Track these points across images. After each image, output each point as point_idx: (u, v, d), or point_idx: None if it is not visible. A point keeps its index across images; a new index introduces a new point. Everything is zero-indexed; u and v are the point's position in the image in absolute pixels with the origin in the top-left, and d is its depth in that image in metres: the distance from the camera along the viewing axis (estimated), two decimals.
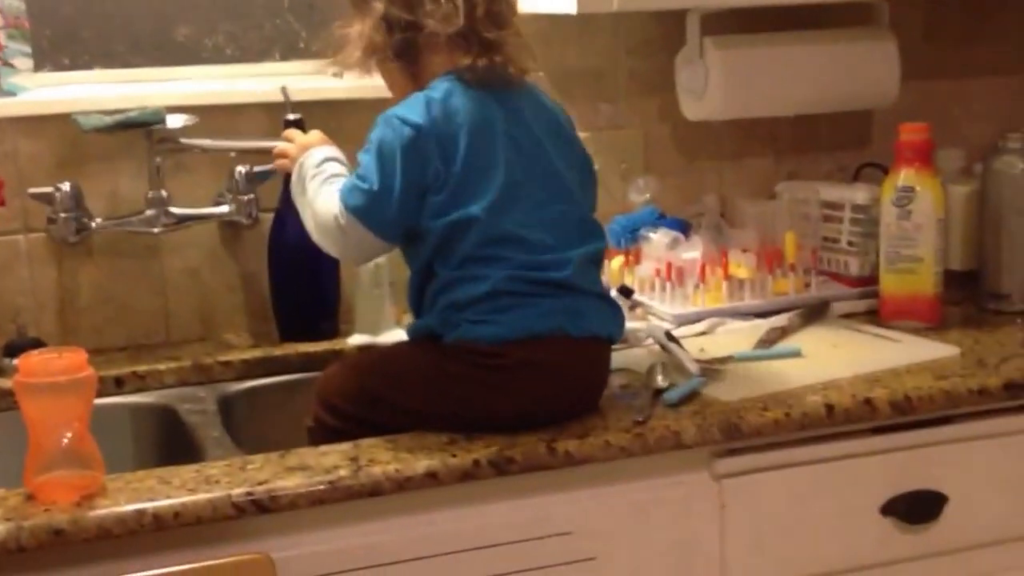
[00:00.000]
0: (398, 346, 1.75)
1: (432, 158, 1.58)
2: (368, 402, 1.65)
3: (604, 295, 1.69)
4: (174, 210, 1.99)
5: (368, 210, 1.61)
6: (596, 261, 1.68)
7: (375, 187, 1.60)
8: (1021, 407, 1.79)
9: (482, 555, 1.56)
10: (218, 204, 2.03)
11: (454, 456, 1.53)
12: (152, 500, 1.43)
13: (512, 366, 1.58)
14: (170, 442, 1.86)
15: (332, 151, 1.75)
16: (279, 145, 1.81)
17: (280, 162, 1.81)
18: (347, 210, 1.62)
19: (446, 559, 1.55)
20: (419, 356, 1.64)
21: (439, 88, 1.62)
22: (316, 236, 1.70)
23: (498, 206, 1.59)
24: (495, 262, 1.59)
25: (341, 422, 1.67)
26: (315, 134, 1.80)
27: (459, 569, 1.56)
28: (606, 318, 1.66)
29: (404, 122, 1.59)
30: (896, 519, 1.74)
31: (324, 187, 1.68)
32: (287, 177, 1.97)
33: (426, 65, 1.66)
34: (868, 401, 1.69)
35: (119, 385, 1.91)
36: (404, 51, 1.65)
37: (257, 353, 2.00)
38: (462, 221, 1.58)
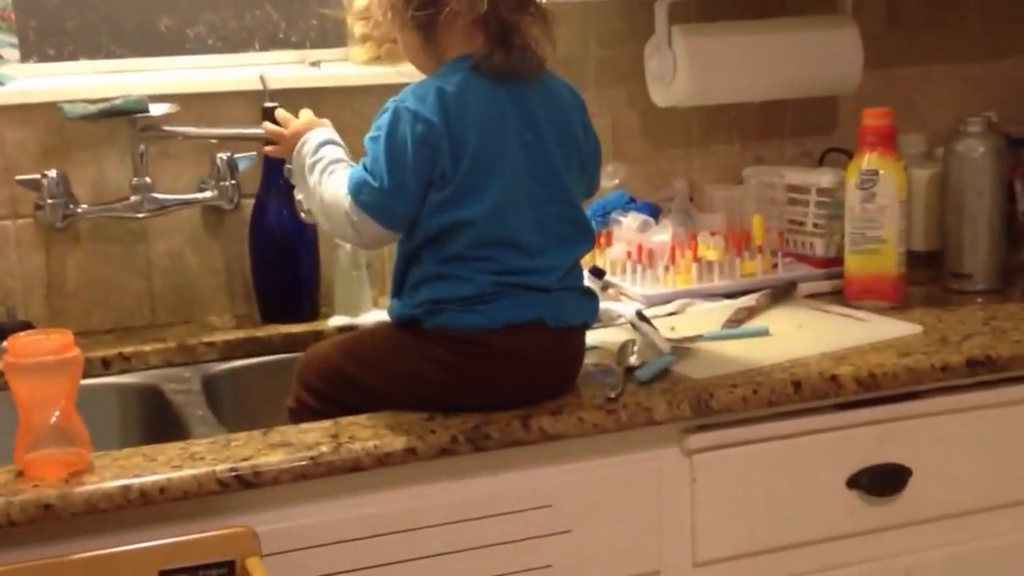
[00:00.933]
0: (379, 329, 1.75)
1: (442, 156, 1.57)
2: (347, 384, 1.68)
3: (584, 288, 1.72)
4: (158, 196, 2.03)
5: (379, 207, 1.59)
6: (581, 258, 1.71)
7: (386, 184, 1.58)
8: (982, 383, 1.84)
9: (460, 528, 1.61)
10: (201, 190, 2.07)
11: (432, 432, 1.57)
12: (138, 476, 1.47)
13: (492, 354, 1.61)
14: (156, 421, 1.90)
15: (327, 133, 1.73)
16: (271, 128, 1.79)
17: (271, 148, 1.81)
18: (358, 206, 1.60)
19: (425, 532, 1.59)
20: (398, 340, 1.66)
21: (453, 80, 1.60)
22: (326, 227, 1.70)
23: (497, 209, 1.59)
24: (484, 263, 1.60)
25: (320, 403, 1.70)
26: (305, 115, 1.78)
27: (438, 542, 1.60)
28: (582, 307, 1.70)
29: (416, 117, 1.57)
30: (862, 492, 1.79)
31: (328, 178, 1.65)
32: (267, 163, 2.02)
33: (445, 43, 1.63)
34: (834, 378, 1.74)
35: (106, 366, 1.95)
36: (425, 26, 1.61)
37: (240, 334, 2.04)
38: (459, 222, 1.59)
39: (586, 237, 1.70)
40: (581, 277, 1.73)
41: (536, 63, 1.65)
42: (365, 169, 1.61)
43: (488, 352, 1.61)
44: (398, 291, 1.69)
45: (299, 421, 1.68)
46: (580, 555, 1.67)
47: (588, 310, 1.71)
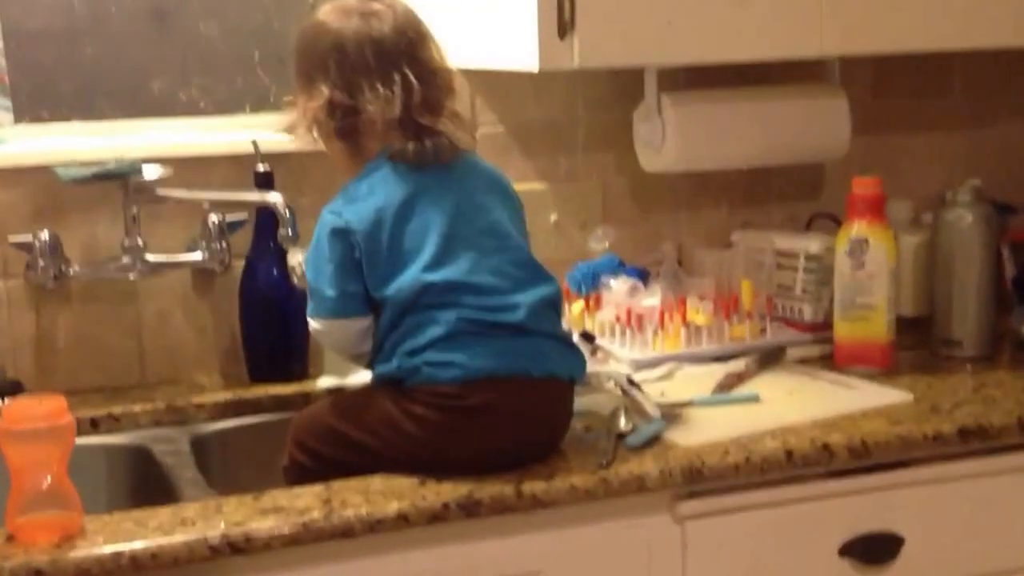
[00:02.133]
0: (365, 389, 1.78)
1: (359, 246, 1.67)
2: (338, 443, 1.69)
3: (563, 338, 1.74)
4: (149, 258, 2.02)
5: (316, 304, 1.72)
6: (552, 305, 1.73)
7: (314, 281, 1.71)
8: (974, 452, 1.84)
9: None
10: (191, 250, 2.07)
11: (424, 499, 1.56)
12: (129, 542, 1.46)
13: (473, 408, 1.62)
14: (145, 482, 1.88)
15: None
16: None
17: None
18: (320, 322, 1.73)
19: None
20: (383, 399, 1.67)
21: (368, 178, 1.71)
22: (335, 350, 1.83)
23: (438, 260, 1.66)
24: (447, 307, 1.64)
25: (313, 462, 1.71)
26: None
27: None
28: (566, 359, 1.71)
29: (336, 217, 1.68)
30: (854, 561, 1.79)
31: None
32: (259, 224, 2.04)
33: (367, 147, 1.74)
34: (826, 446, 1.74)
35: (95, 426, 1.94)
36: (346, 133, 1.73)
37: (229, 395, 2.03)
38: (405, 283, 1.65)
39: (545, 279, 1.73)
40: (559, 326, 1.75)
41: (452, 149, 1.75)
42: (310, 293, 1.74)
43: (467, 406, 1.62)
44: (376, 357, 1.72)
45: (293, 480, 1.69)
46: None
47: (574, 363, 1.73)
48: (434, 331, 1.63)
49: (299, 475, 1.70)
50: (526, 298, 1.68)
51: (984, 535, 1.87)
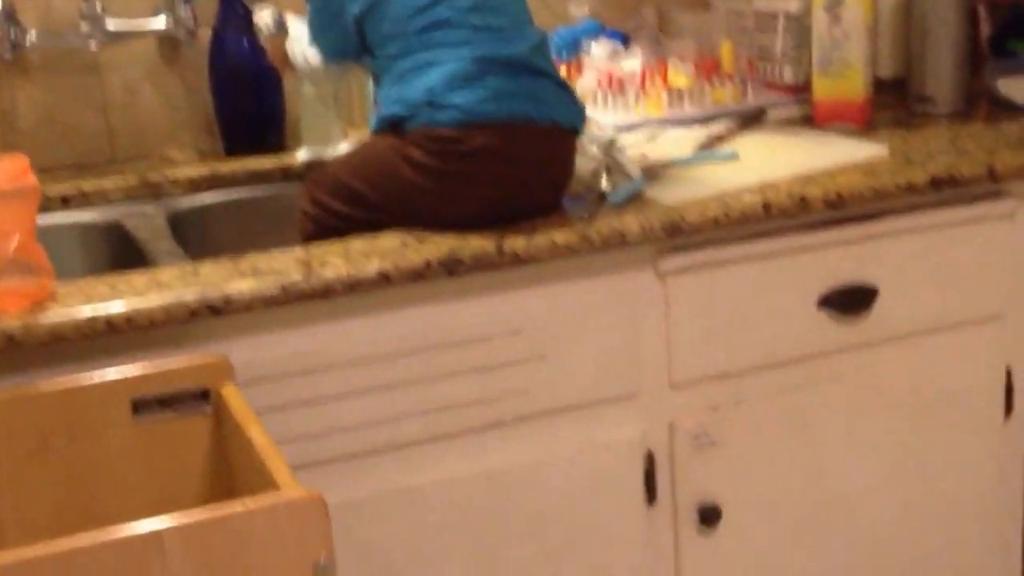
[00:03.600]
0: (368, 139, 1.73)
1: None
2: (342, 196, 1.66)
3: (564, 84, 1.69)
4: (110, 25, 1.96)
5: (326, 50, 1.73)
6: (544, 49, 1.68)
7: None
8: (946, 201, 1.85)
9: (434, 354, 1.60)
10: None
11: (405, 258, 1.55)
12: (104, 304, 1.44)
13: (473, 153, 1.58)
14: (121, 259, 1.87)
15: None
16: None
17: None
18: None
19: (399, 359, 1.58)
20: (382, 146, 1.64)
21: None
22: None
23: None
24: (444, 47, 1.59)
25: (324, 215, 1.68)
26: None
27: (412, 369, 1.59)
28: (568, 106, 1.67)
29: None
30: (831, 311, 1.81)
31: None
32: None
33: None
34: (803, 199, 1.74)
35: (65, 203, 1.91)
36: None
37: (204, 170, 2.00)
38: (403, 17, 1.60)
39: (534, 27, 1.68)
40: (554, 66, 1.70)
41: None
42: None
43: (467, 151, 1.58)
44: (376, 103, 1.68)
45: (304, 233, 1.68)
46: (556, 380, 1.67)
47: (575, 112, 1.69)
48: (434, 73, 1.58)
49: (310, 230, 1.68)
50: (526, 38, 1.63)
51: (955, 285, 1.88)
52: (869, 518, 1.90)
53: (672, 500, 1.77)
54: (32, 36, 1.95)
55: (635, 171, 1.80)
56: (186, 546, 1.08)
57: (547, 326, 1.65)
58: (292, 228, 1.74)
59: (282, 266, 1.54)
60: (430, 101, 1.58)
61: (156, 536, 1.07)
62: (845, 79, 2.03)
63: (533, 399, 1.66)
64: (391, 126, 1.63)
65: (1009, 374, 1.95)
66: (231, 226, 1.97)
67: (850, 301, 1.81)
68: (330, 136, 2.01)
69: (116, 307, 1.44)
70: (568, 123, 1.66)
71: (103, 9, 1.96)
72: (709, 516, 1.78)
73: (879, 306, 1.83)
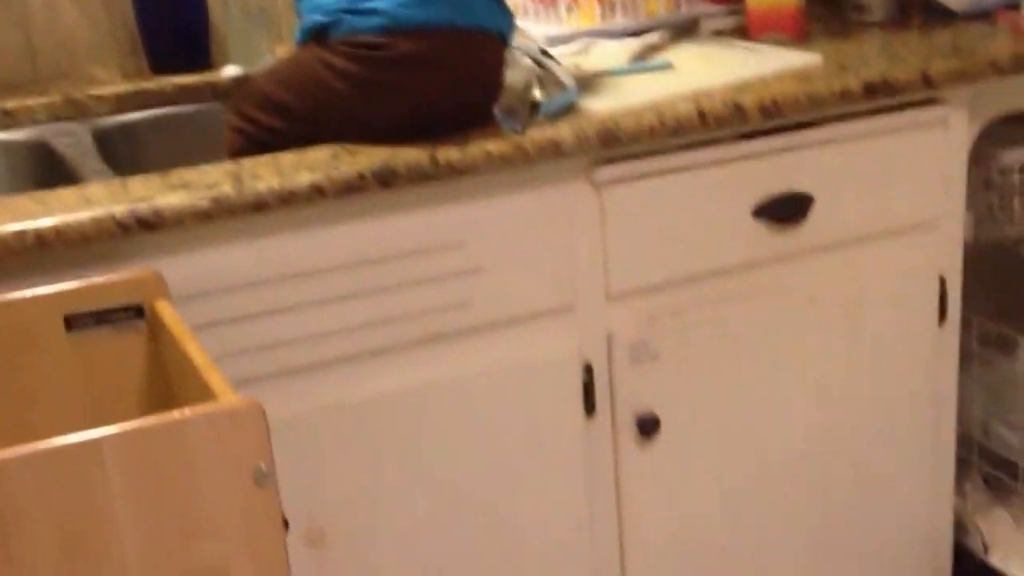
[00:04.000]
0: (294, 50, 1.69)
1: None
2: (269, 108, 1.63)
3: None
4: None
5: None
6: None
7: None
8: (880, 109, 1.85)
9: (371, 269, 1.59)
10: None
11: (337, 170, 1.53)
12: (33, 220, 1.41)
13: (400, 59, 1.55)
14: (48, 178, 1.82)
15: None
16: None
17: None
18: None
19: (336, 274, 1.57)
20: (307, 56, 1.61)
21: None
22: None
23: None
24: None
25: (252, 129, 1.65)
26: None
27: (347, 284, 1.58)
28: (494, 13, 1.65)
29: None
30: (767, 220, 1.81)
31: None
32: None
33: None
34: (738, 106, 1.73)
35: None
36: None
37: (129, 87, 1.96)
38: None
39: None
40: None
41: None
42: None
43: (392, 58, 1.55)
44: (299, 12, 1.64)
45: (233, 148, 1.64)
46: (493, 293, 1.67)
47: (502, 19, 1.67)
48: None
49: (238, 145, 1.65)
50: None
51: (889, 193, 1.89)
52: (805, 425, 1.93)
53: (611, 411, 1.78)
54: None
55: (569, 82, 1.78)
56: (125, 455, 1.06)
57: (483, 239, 1.64)
58: (221, 146, 1.70)
59: (212, 179, 1.51)
60: (350, 7, 1.55)
61: (94, 445, 1.05)
62: None
63: (470, 313, 1.66)
64: (314, 36, 1.60)
65: (943, 281, 1.97)
66: (159, 144, 1.93)
67: (785, 210, 1.82)
68: (257, 52, 1.98)
69: (45, 222, 1.41)
70: (495, 29, 1.64)
71: None
72: (647, 426, 1.79)
73: (814, 215, 1.84)
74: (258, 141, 1.62)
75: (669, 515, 1.86)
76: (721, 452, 1.87)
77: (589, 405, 1.76)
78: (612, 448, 1.79)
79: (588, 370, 1.75)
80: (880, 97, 1.82)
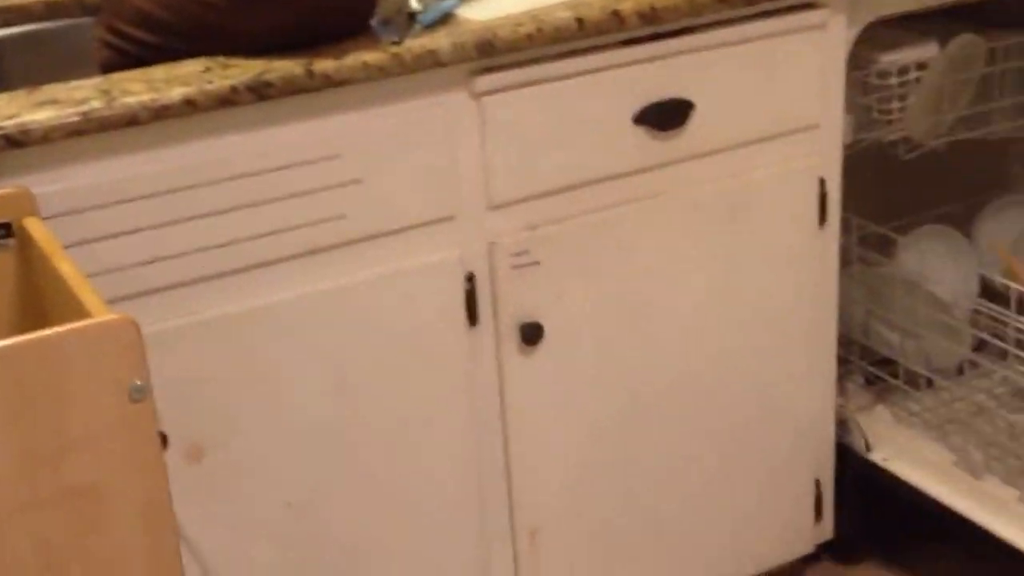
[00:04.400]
0: None
1: None
2: (141, 22, 1.59)
3: None
4: None
5: None
6: None
7: None
8: (758, 14, 1.86)
9: (246, 182, 1.57)
10: None
11: (210, 83, 1.51)
12: None
13: None
14: None
15: None
16: None
17: None
18: None
19: (210, 188, 1.55)
20: None
21: None
22: None
23: None
24: None
25: (126, 45, 1.61)
26: None
27: (224, 197, 1.56)
28: None
29: None
30: (648, 127, 1.82)
31: None
32: None
33: None
34: (616, 12, 1.73)
35: None
36: None
37: None
38: None
39: None
40: None
41: None
42: None
43: None
44: None
45: (107, 65, 1.60)
46: (373, 204, 1.66)
47: None
48: None
49: (109, 60, 1.61)
50: None
51: (769, 97, 1.91)
52: (688, 331, 1.95)
53: (494, 320, 1.79)
54: None
55: None
56: None
57: (363, 150, 1.63)
58: (91, 63, 1.66)
59: (82, 95, 1.48)
60: None
61: None
62: None
63: (351, 224, 1.65)
64: None
65: (823, 183, 2.00)
66: (27, 62, 1.88)
67: (666, 116, 1.83)
68: None
69: None
70: None
71: None
72: (530, 334, 1.80)
73: (695, 120, 1.85)
74: (131, 57, 1.59)
75: (555, 423, 1.88)
76: (607, 358, 1.89)
77: (472, 315, 1.76)
78: (495, 357, 1.80)
79: (470, 279, 1.75)
80: (760, 1, 1.83)
